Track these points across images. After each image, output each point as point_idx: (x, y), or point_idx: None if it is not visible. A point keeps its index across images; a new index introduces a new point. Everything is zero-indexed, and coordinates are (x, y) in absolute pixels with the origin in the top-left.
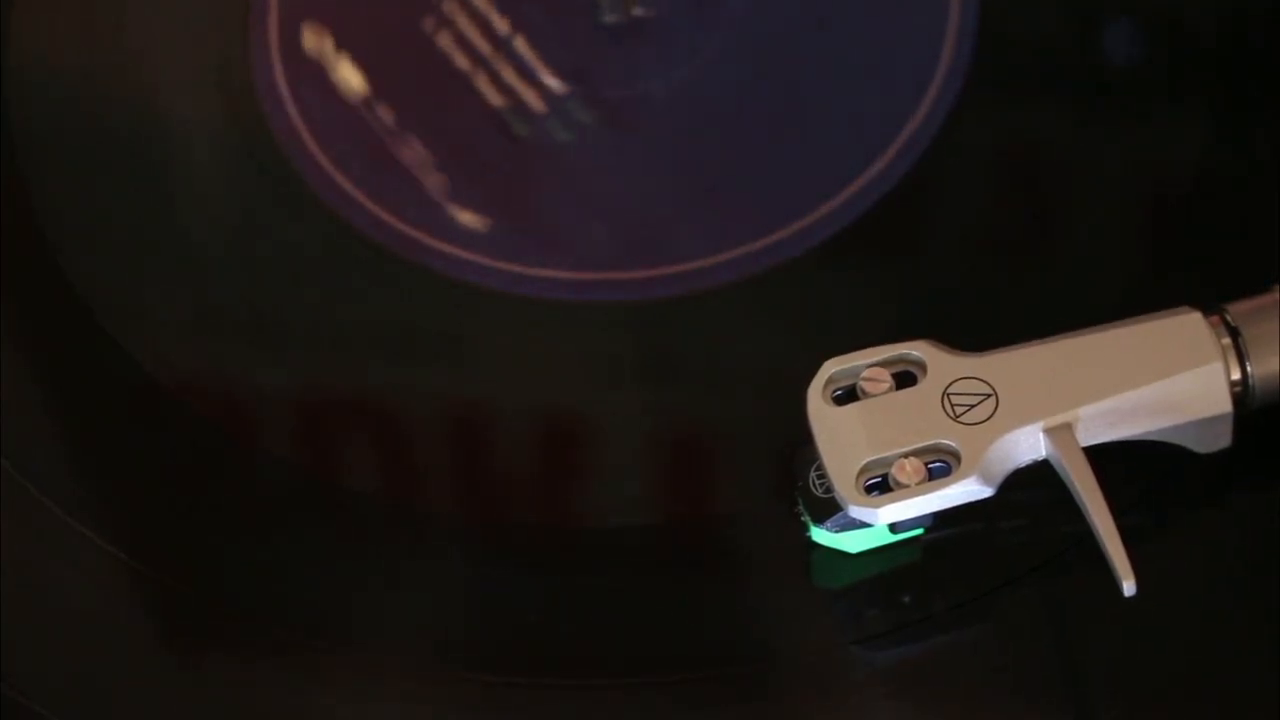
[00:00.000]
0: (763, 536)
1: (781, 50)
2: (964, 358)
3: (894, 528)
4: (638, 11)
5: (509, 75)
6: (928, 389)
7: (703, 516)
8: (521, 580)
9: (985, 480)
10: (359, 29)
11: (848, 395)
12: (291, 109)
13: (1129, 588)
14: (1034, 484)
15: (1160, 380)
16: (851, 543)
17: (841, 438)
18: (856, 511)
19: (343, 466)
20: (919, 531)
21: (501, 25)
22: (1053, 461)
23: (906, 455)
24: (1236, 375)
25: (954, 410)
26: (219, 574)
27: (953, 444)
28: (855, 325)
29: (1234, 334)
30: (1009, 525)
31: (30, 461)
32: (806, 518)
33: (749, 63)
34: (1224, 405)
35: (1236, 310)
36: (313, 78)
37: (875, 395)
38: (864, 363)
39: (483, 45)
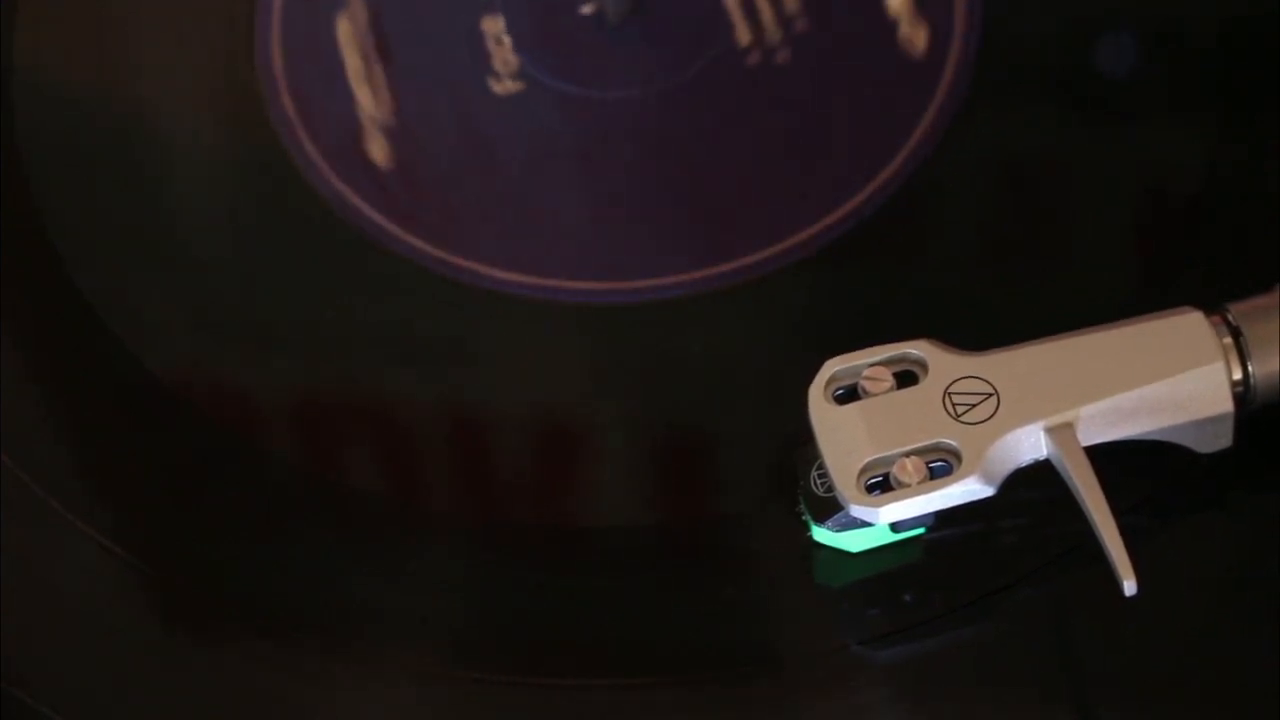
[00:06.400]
0: (763, 536)
1: (789, 55)
2: (965, 357)
3: (895, 527)
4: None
5: (512, 80)
6: (929, 388)
7: (704, 516)
8: (521, 580)
9: (986, 480)
10: (365, 30)
11: (849, 394)
12: (294, 111)
13: (1130, 587)
14: (1035, 483)
15: (1161, 380)
16: (853, 542)
17: (842, 437)
18: (857, 511)
19: (343, 466)
20: (920, 531)
21: (493, 26)
22: (1054, 461)
23: (908, 454)
24: (1238, 375)
25: (955, 409)
26: (219, 572)
27: (954, 443)
28: (860, 327)
29: (1235, 334)
30: (1010, 525)
31: (31, 458)
32: (807, 517)
33: (755, 68)
34: (1225, 405)
35: (1238, 310)
36: (317, 81)
37: (876, 394)
38: (865, 362)
39: (487, 49)
